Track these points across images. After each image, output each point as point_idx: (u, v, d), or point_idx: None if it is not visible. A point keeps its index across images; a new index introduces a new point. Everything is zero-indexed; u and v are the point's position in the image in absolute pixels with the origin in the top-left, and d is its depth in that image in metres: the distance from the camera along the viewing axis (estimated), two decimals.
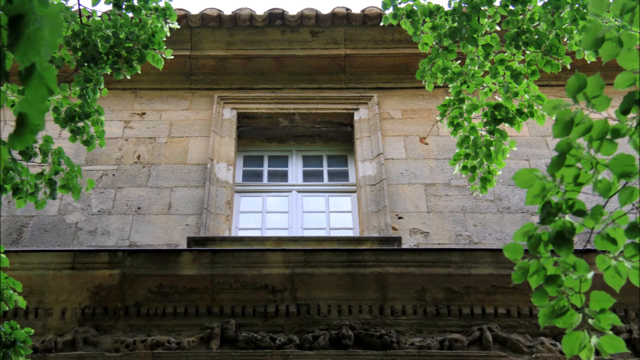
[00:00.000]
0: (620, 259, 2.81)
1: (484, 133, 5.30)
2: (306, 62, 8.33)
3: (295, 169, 7.91)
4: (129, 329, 5.84)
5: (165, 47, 5.44)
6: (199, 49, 8.33)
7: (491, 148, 5.25)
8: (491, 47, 5.09)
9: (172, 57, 5.67)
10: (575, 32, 4.98)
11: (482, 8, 5.00)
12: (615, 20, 2.80)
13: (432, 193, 7.10)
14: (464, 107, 5.29)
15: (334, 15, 8.29)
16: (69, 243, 6.61)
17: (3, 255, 4.43)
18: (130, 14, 5.31)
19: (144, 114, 7.99)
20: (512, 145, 5.36)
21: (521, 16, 5.03)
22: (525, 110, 5.24)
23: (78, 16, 5.27)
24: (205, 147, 7.60)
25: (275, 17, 8.31)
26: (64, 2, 5.07)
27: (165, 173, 7.36)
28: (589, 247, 3.29)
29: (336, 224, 7.34)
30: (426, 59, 5.25)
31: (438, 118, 5.52)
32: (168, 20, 5.42)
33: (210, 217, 6.85)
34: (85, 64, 5.21)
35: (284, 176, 7.89)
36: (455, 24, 5.02)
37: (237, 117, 8.02)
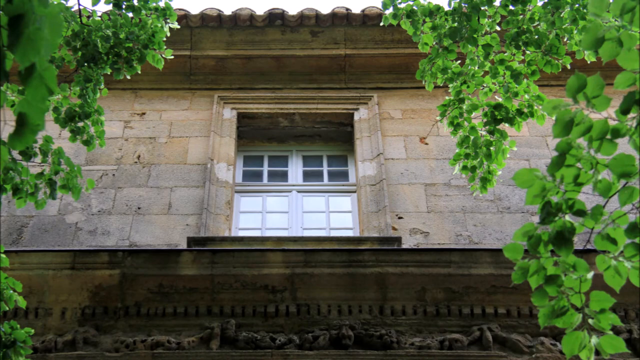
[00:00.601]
0: (620, 259, 2.81)
1: (484, 133, 5.30)
2: (306, 62, 8.33)
3: (295, 169, 7.91)
4: (129, 329, 5.84)
5: (165, 47, 5.44)
6: (199, 49, 8.32)
7: (491, 148, 5.25)
8: (491, 47, 5.08)
9: (172, 57, 5.66)
10: (575, 32, 4.98)
11: (482, 8, 5.00)
12: (615, 20, 2.80)
13: (432, 193, 7.10)
14: (464, 107, 5.29)
15: (334, 15, 8.29)
16: (69, 243, 6.60)
17: (3, 255, 4.43)
18: (130, 14, 5.31)
19: (144, 114, 7.99)
20: (512, 145, 5.35)
21: (521, 16, 5.03)
22: (525, 110, 5.24)
23: (78, 16, 5.27)
24: (205, 147, 7.59)
25: (275, 17, 8.31)
26: (64, 2, 5.07)
27: (165, 173, 7.35)
28: (589, 247, 3.29)
29: (336, 224, 7.33)
30: (426, 59, 5.24)
31: (438, 118, 5.52)
32: (168, 20, 5.42)
33: (210, 217, 6.85)
34: (85, 64, 5.21)
35: (284, 176, 7.89)
36: (455, 24, 5.02)
37: (237, 117, 8.02)
